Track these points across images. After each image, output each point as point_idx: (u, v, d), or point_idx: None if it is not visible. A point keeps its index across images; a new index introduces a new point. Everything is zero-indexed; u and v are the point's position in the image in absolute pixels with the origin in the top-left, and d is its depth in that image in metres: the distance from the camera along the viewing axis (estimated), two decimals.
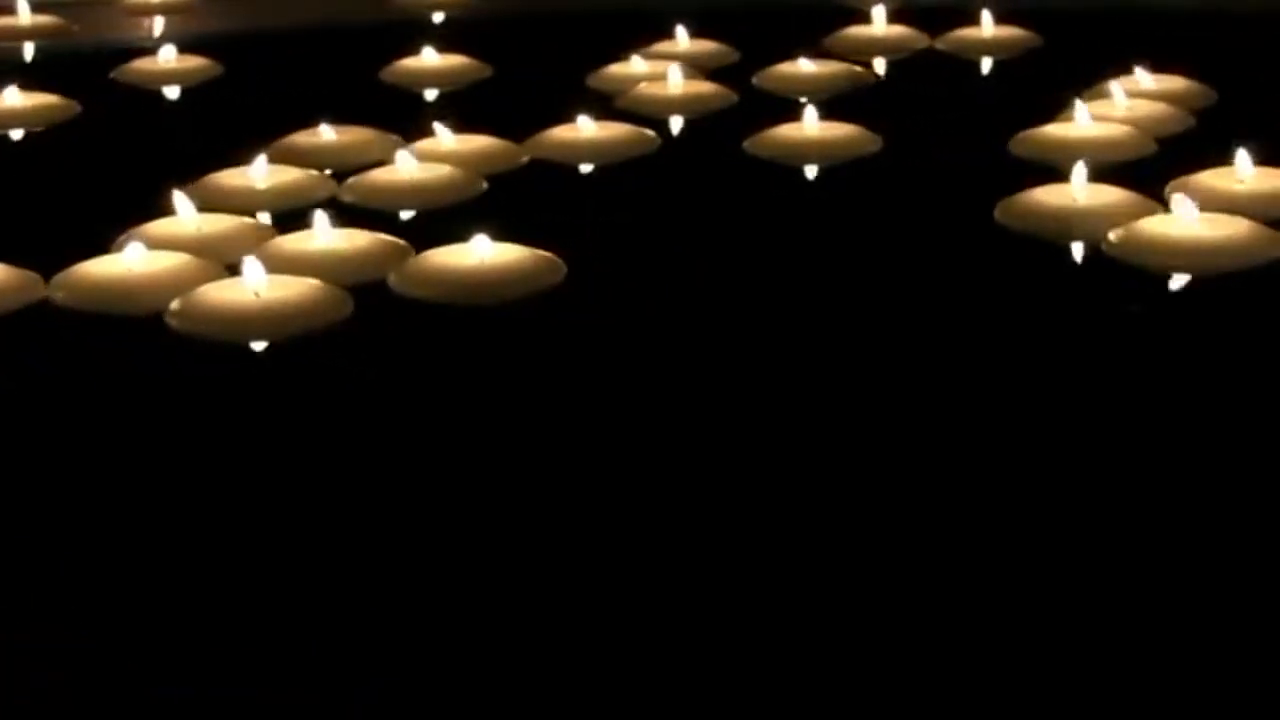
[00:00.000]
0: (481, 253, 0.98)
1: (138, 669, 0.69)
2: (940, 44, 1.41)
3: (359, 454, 0.83)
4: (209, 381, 0.91)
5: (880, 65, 1.38)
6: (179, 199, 1.07)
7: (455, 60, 1.39)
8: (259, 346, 0.93)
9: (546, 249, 1.01)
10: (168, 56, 1.41)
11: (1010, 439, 0.82)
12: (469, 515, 0.78)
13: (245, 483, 0.81)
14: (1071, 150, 1.12)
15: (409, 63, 1.39)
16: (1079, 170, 1.04)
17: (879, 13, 1.42)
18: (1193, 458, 0.79)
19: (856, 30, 1.42)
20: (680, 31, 1.38)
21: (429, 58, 1.39)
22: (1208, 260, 0.97)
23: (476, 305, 0.96)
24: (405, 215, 1.10)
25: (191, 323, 0.95)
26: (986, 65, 1.38)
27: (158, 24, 1.60)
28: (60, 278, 1.01)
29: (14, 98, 1.33)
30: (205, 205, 1.09)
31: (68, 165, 1.24)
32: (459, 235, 1.00)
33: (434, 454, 0.83)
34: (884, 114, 1.23)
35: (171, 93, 1.39)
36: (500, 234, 1.01)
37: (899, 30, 1.43)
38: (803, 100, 1.23)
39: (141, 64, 1.42)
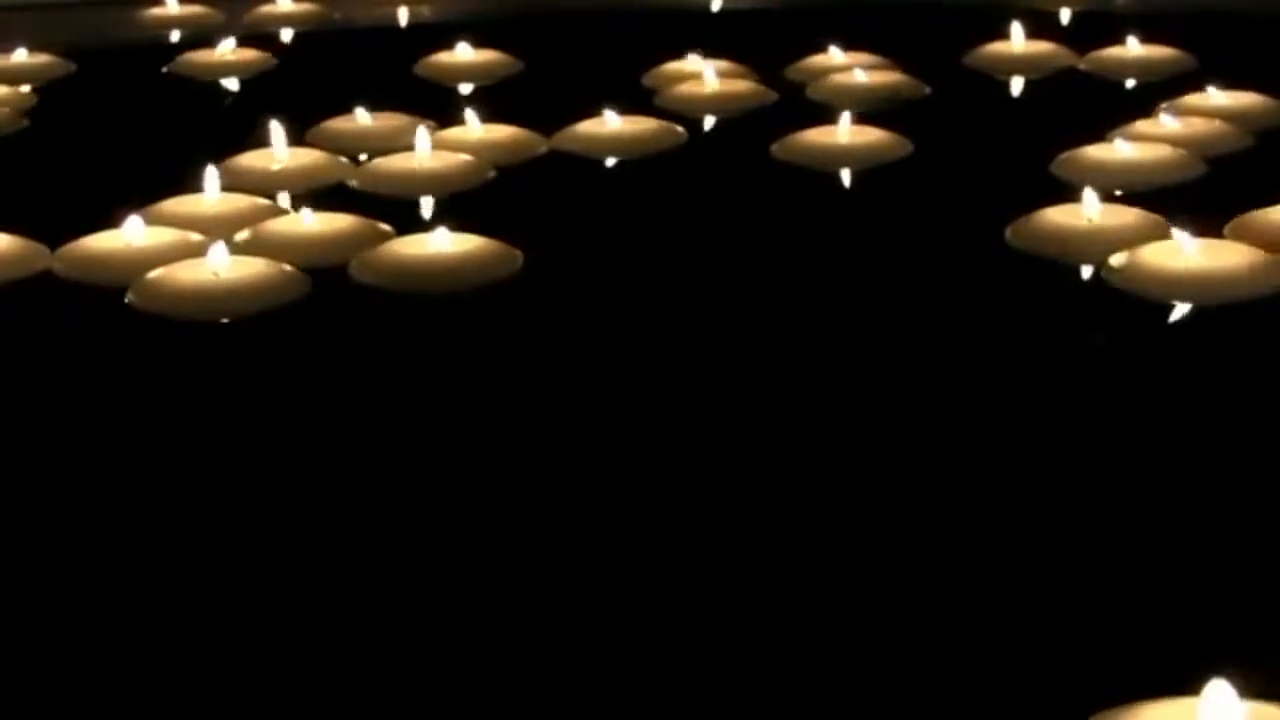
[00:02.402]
0: (440, 242, 0.98)
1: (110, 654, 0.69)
2: (1084, 64, 1.34)
3: (307, 437, 0.83)
4: (164, 359, 0.92)
5: (1017, 84, 1.33)
6: (209, 176, 1.09)
7: (488, 55, 1.39)
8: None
9: (536, 240, 1.00)
10: (224, 49, 1.44)
11: (982, 460, 0.79)
12: (410, 497, 0.77)
13: (197, 465, 0.81)
14: (1108, 172, 1.06)
15: (443, 57, 1.39)
16: (1088, 193, 0.99)
17: (1017, 28, 1.36)
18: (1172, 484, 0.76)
19: (996, 47, 1.36)
20: (833, 49, 1.34)
21: (463, 52, 1.39)
22: (1207, 290, 0.91)
23: (428, 294, 0.96)
24: (425, 201, 1.10)
25: (150, 301, 0.96)
26: (1129, 84, 1.31)
27: (402, 13, 1.61)
28: (63, 250, 1.02)
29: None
30: (228, 185, 1.10)
31: (99, 148, 1.26)
32: (456, 222, 1.00)
33: (378, 440, 0.83)
34: (940, 126, 1.20)
35: (229, 84, 1.41)
36: (494, 224, 1.00)
37: (1041, 47, 1.36)
38: (856, 111, 1.20)
39: (197, 56, 1.43)
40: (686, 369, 0.88)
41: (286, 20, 1.56)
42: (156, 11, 1.58)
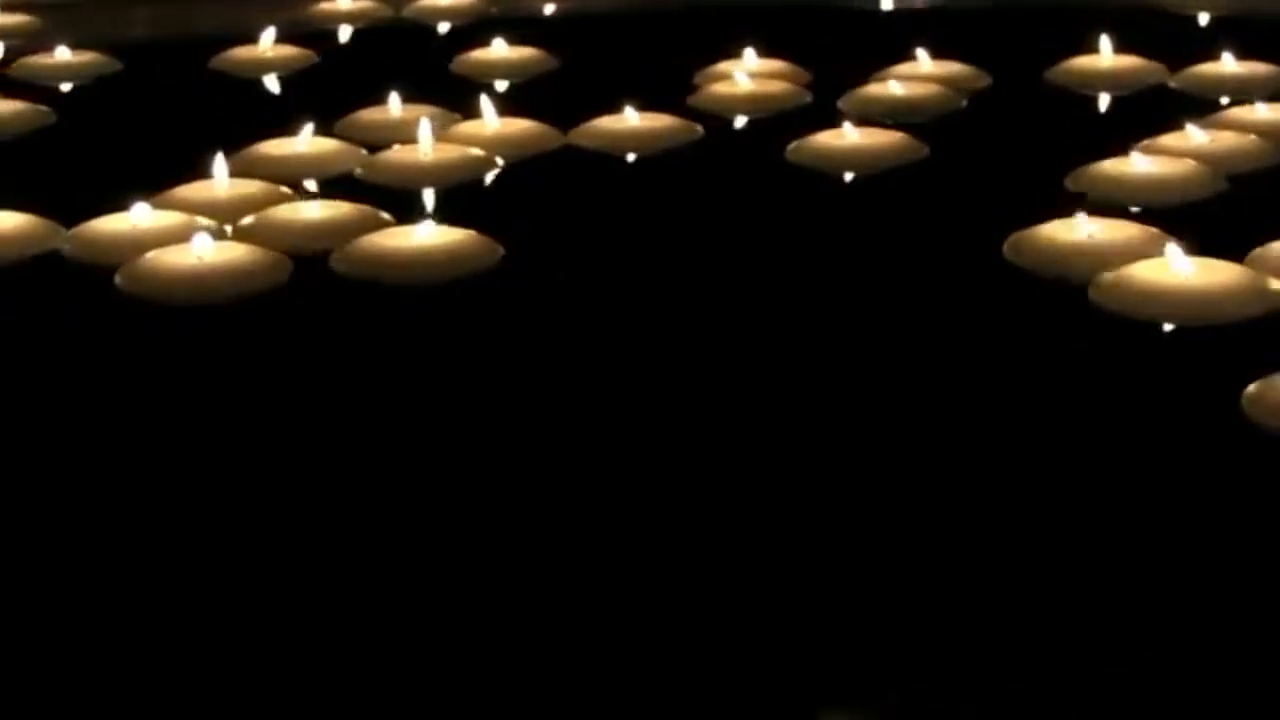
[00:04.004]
0: (420, 234, 0.98)
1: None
2: (1175, 81, 1.28)
3: (278, 421, 0.84)
4: (146, 340, 0.93)
5: (1104, 100, 1.28)
6: (218, 163, 1.10)
7: (524, 52, 1.39)
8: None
9: (529, 233, 1.00)
10: (266, 44, 1.44)
11: (952, 481, 0.77)
12: (380, 481, 0.78)
13: (171, 445, 0.82)
14: (1121, 186, 1.04)
15: (479, 53, 1.40)
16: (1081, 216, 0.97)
17: (1105, 43, 1.31)
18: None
19: (1082, 61, 1.31)
20: (922, 54, 1.31)
21: (498, 49, 1.39)
22: (1196, 310, 0.88)
23: (406, 285, 0.96)
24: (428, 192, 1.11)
25: (135, 284, 0.97)
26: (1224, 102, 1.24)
27: (548, 8, 1.62)
28: (72, 231, 1.04)
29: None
30: (246, 171, 1.12)
31: (135, 139, 1.27)
32: (454, 214, 1.01)
33: (347, 427, 0.83)
34: (976, 138, 1.18)
35: (269, 80, 1.41)
36: (491, 216, 1.01)
37: (1129, 61, 1.30)
38: (888, 122, 1.19)
39: (240, 52, 1.44)
40: (665, 365, 0.88)
41: (446, 14, 1.55)
42: (326, 6, 1.58)
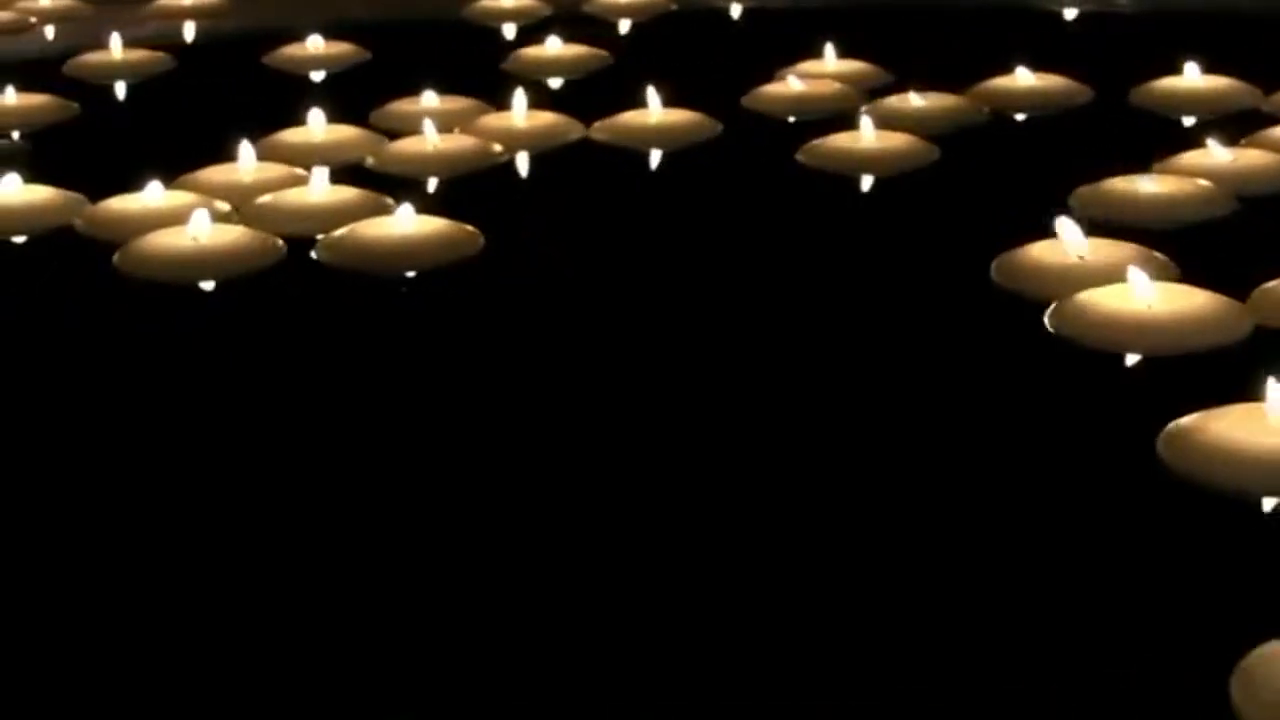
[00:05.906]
0: (402, 224, 0.99)
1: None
2: (1267, 105, 1.23)
3: (259, 405, 0.85)
4: (133, 317, 0.96)
5: (1189, 122, 1.24)
6: (241, 149, 1.13)
7: (578, 50, 1.40)
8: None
9: (521, 226, 1.02)
10: (316, 44, 1.45)
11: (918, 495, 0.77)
12: (356, 468, 0.79)
13: (154, 423, 0.84)
14: (1123, 206, 1.01)
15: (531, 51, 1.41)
16: (1066, 227, 0.95)
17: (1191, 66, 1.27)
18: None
19: (1169, 82, 1.27)
20: (1023, 70, 1.28)
21: (552, 46, 1.40)
22: (1156, 339, 0.86)
23: (387, 274, 0.98)
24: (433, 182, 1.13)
25: (131, 262, 0.99)
26: None
27: (735, 9, 1.62)
28: (88, 209, 1.07)
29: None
30: (266, 157, 1.14)
31: (172, 130, 1.30)
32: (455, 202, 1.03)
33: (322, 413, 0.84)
34: (999, 155, 1.17)
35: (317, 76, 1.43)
36: (487, 209, 1.03)
37: (1219, 83, 1.26)
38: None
39: (289, 50, 1.46)
40: (641, 360, 0.88)
41: (624, 11, 1.56)
42: (487, 4, 1.59)
